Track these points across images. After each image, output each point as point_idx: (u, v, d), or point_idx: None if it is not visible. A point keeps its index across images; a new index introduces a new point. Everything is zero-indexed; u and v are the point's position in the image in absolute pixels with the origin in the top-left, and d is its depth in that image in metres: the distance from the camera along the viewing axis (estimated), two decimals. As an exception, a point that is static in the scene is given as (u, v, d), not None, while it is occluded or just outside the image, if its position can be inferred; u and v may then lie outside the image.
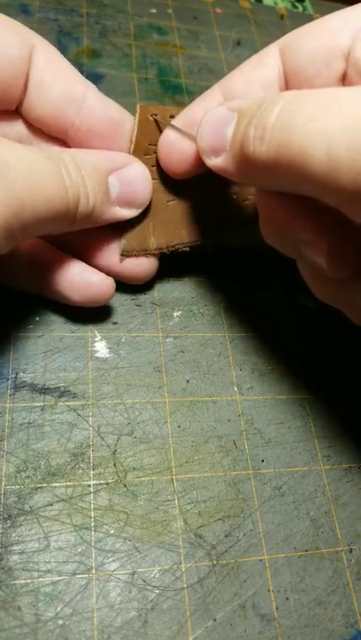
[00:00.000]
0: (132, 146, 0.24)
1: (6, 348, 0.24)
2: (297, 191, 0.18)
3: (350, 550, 0.24)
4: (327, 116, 0.15)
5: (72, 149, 0.23)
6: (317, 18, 0.48)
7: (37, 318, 0.26)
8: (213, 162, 0.21)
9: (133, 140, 0.24)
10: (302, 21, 0.48)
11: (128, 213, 0.24)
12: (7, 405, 0.23)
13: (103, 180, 0.23)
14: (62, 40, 0.37)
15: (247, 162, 0.19)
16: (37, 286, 0.25)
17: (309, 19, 0.48)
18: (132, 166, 0.24)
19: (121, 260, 0.25)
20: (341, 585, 0.23)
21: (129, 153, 0.24)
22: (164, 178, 0.25)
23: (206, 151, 0.21)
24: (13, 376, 0.24)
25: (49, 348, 0.25)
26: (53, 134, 0.24)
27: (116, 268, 0.26)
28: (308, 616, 0.22)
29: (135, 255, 0.25)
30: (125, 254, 0.25)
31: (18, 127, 0.24)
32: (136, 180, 0.24)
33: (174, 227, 0.26)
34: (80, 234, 0.24)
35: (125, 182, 0.23)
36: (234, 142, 0.20)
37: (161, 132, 0.24)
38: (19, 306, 0.26)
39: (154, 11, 0.41)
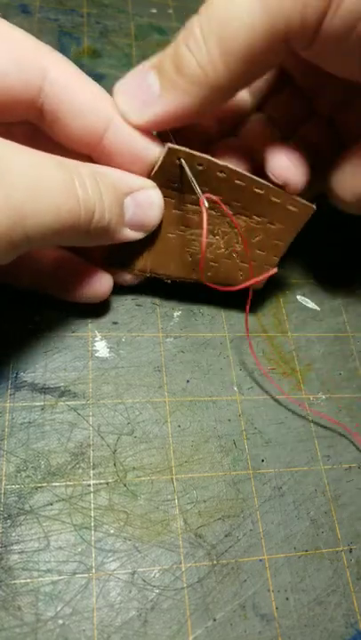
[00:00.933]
0: (152, 174, 0.23)
1: (6, 347, 0.24)
2: (254, 70, 0.21)
3: (350, 550, 0.24)
4: None
5: (92, 164, 0.22)
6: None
7: (37, 318, 0.26)
8: (149, 114, 0.21)
9: (153, 174, 0.23)
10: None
11: (135, 236, 0.24)
12: (7, 405, 0.23)
13: (120, 199, 0.22)
14: (62, 40, 0.37)
15: (194, 79, 0.20)
16: (33, 281, 0.25)
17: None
18: (149, 190, 0.23)
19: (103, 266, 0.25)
20: (341, 585, 0.23)
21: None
22: (172, 212, 0.25)
23: (135, 110, 0.21)
24: (13, 376, 0.24)
25: (49, 347, 0.25)
26: (76, 151, 0.23)
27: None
28: (308, 616, 0.22)
29: (117, 268, 0.26)
30: (108, 264, 0.25)
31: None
32: (150, 205, 0.23)
33: (165, 259, 0.26)
34: None
35: (139, 205, 0.23)
36: (168, 77, 0.20)
37: (182, 174, 0.23)
38: (19, 306, 0.26)
39: (154, 11, 0.41)
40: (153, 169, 0.23)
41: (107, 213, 0.21)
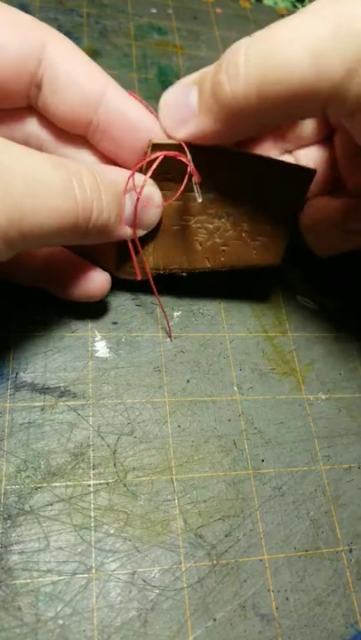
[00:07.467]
0: (144, 169, 0.23)
1: (6, 347, 0.24)
2: (286, 115, 0.20)
3: (350, 550, 0.24)
4: (307, 27, 0.18)
5: (91, 165, 0.22)
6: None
7: (37, 318, 0.26)
8: (185, 132, 0.22)
9: (144, 169, 0.23)
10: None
11: (136, 234, 0.24)
12: (7, 405, 0.23)
13: (120, 197, 0.22)
14: (62, 40, 0.37)
15: (226, 108, 0.20)
16: (31, 277, 0.24)
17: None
18: (147, 188, 0.23)
19: (118, 275, 0.26)
20: (341, 585, 0.23)
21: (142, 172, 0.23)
22: (173, 204, 0.24)
23: (174, 125, 0.22)
24: (13, 376, 0.24)
25: (49, 347, 0.25)
26: (73, 132, 0.23)
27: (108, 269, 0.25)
28: (308, 616, 0.22)
29: (130, 274, 0.25)
30: (122, 273, 0.26)
31: (30, 126, 0.23)
32: (149, 201, 0.23)
33: (175, 252, 0.26)
34: None
35: (139, 202, 0.23)
36: (204, 98, 0.21)
37: (171, 161, 0.23)
38: (19, 305, 0.26)
39: (154, 11, 0.41)
40: (143, 164, 0.23)
41: (105, 212, 0.21)
